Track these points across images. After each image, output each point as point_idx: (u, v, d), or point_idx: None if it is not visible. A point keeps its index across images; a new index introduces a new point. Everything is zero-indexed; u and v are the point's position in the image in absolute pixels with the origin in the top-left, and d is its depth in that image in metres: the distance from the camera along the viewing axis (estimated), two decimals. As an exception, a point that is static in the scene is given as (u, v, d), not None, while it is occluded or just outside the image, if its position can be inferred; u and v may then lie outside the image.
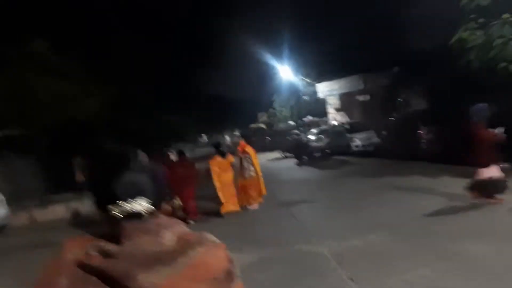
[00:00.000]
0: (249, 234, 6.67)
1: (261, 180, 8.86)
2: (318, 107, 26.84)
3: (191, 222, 7.95)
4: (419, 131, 13.07)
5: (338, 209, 7.67)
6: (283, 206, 8.68)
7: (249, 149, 8.96)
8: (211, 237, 1.01)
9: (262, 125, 48.64)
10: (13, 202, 12.52)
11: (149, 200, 0.97)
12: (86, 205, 10.86)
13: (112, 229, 0.94)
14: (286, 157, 22.34)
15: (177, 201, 8.09)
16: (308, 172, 15.17)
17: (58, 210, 11.49)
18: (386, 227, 5.68)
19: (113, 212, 0.94)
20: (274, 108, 33.96)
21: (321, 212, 7.78)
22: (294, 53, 26.90)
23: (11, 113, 13.08)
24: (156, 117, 20.76)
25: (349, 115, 24.25)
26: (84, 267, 0.89)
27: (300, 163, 18.23)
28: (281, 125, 30.47)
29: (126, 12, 18.31)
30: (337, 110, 25.50)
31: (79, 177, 15.37)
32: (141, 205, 0.95)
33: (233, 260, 0.98)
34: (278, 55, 27.28)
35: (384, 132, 15.28)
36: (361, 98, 22.54)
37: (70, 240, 0.98)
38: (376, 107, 20.99)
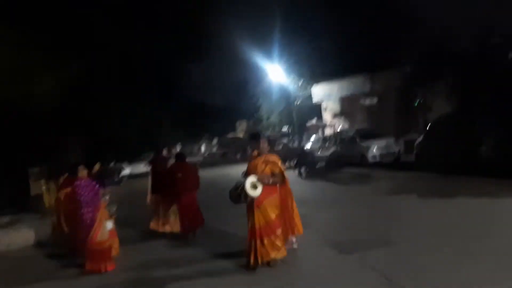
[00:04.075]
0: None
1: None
2: (313, 113, 23.68)
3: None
4: (477, 138, 9.97)
5: (459, 259, 4.19)
6: (344, 251, 5.18)
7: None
8: None
9: (240, 135, 45.10)
10: None
11: None
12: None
13: None
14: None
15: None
16: (323, 189, 11.80)
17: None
18: None
19: None
20: (259, 115, 30.49)
21: (432, 265, 4.22)
22: (285, 51, 23.35)
23: None
24: (125, 117, 16.49)
25: (351, 121, 21.17)
26: None
27: (303, 176, 14.90)
28: (269, 133, 27.10)
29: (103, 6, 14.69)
30: (336, 115, 22.41)
31: (35, 190, 11.73)
32: None
33: None
34: (266, 53, 23.40)
35: (419, 140, 12.16)
36: (367, 101, 19.54)
37: None
38: (387, 111, 18.04)
